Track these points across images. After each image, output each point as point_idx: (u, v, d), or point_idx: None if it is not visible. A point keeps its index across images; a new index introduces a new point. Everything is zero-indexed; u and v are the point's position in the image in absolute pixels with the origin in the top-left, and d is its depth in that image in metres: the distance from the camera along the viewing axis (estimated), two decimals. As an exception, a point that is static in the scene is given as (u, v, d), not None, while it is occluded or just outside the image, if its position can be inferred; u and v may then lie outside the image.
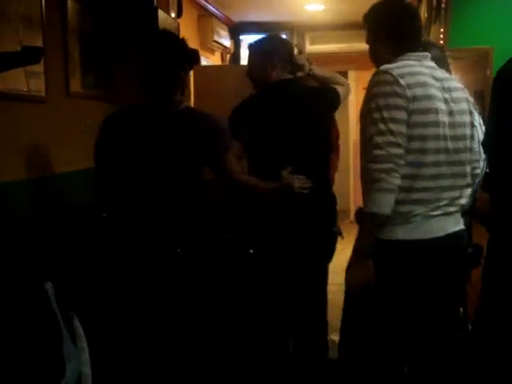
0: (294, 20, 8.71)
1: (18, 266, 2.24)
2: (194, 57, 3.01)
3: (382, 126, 2.45)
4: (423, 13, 6.92)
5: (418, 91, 2.48)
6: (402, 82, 2.47)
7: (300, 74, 3.63)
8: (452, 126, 2.57)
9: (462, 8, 5.03)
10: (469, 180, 2.69)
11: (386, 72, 2.52)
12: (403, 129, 2.46)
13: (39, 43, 3.74)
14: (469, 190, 2.72)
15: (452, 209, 2.63)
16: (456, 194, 2.64)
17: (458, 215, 2.71)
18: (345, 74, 10.20)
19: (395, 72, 2.50)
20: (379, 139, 2.44)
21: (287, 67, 3.53)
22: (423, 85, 2.51)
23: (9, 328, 2.01)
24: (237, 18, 8.77)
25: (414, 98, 2.47)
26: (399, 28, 2.67)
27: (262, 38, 3.72)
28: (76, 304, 2.35)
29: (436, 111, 2.51)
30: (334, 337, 4.54)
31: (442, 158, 2.54)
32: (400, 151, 2.45)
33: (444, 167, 2.55)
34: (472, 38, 4.93)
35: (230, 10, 8.37)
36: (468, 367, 2.55)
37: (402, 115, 2.46)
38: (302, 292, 3.44)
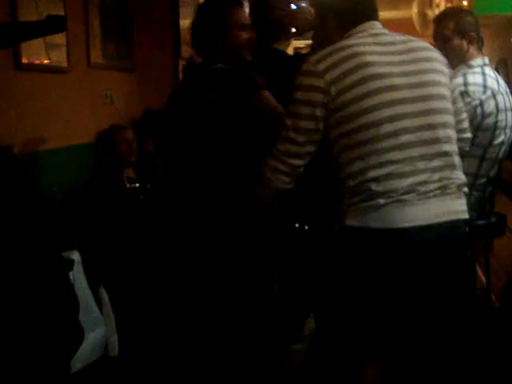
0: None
1: (35, 236, 2.25)
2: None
3: (287, 121, 2.30)
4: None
5: (347, 66, 2.21)
6: (319, 67, 2.23)
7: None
8: (416, 86, 2.25)
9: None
10: (450, 147, 2.27)
11: (307, 61, 2.31)
12: (311, 125, 2.25)
13: (60, 13, 3.73)
14: (456, 162, 2.28)
15: (436, 190, 2.18)
16: (434, 164, 2.21)
17: (448, 199, 2.22)
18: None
19: (313, 58, 2.28)
20: (282, 133, 2.31)
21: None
22: (350, 57, 2.22)
23: (23, 296, 2.04)
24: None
25: (341, 77, 2.20)
26: (341, 2, 2.39)
27: None
28: (106, 273, 2.37)
29: (375, 77, 2.20)
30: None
31: (398, 125, 2.19)
32: (298, 150, 2.28)
33: (405, 135, 2.19)
34: (496, 5, 4.85)
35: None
36: (493, 346, 2.45)
37: (314, 111, 2.24)
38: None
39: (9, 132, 3.34)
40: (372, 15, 2.37)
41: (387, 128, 2.17)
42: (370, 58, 2.21)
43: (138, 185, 3.69)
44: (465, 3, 5.07)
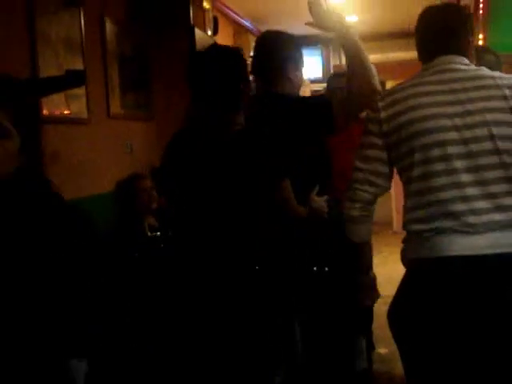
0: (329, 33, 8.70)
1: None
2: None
3: (358, 151, 2.43)
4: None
5: (400, 107, 2.31)
6: (380, 103, 2.37)
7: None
8: (465, 128, 2.26)
9: (500, 15, 4.99)
10: (499, 188, 2.23)
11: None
12: (372, 153, 2.37)
13: (79, 66, 3.81)
14: (506, 202, 2.23)
15: (483, 228, 2.20)
16: (483, 204, 2.21)
17: (498, 233, 2.20)
18: (383, 84, 10.18)
19: (383, 93, 2.47)
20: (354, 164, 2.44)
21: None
22: (406, 98, 2.32)
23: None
24: (271, 32, 8.79)
25: (392, 117, 2.32)
26: (417, 36, 2.48)
27: None
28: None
29: (430, 118, 2.27)
30: (380, 350, 4.53)
31: (448, 165, 2.25)
32: (360, 176, 2.39)
33: (448, 177, 2.23)
34: (508, 44, 4.87)
35: (264, 25, 8.38)
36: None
37: (372, 139, 2.37)
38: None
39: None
40: (449, 48, 2.40)
41: (425, 169, 2.26)
42: (423, 100, 2.30)
43: (159, 233, 3.70)
44: (480, 42, 5.10)
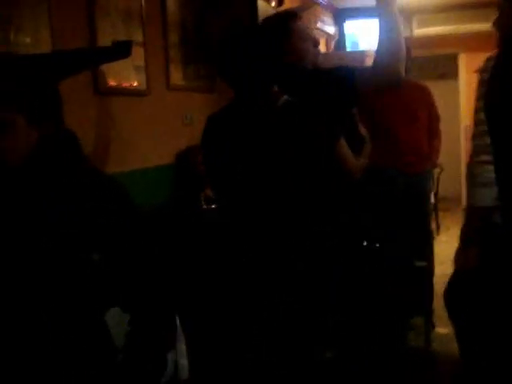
0: (399, 3, 8.48)
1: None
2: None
3: (481, 115, 2.32)
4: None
5: None
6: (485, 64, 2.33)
7: None
8: None
9: None
10: None
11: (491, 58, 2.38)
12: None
13: (139, 38, 3.81)
14: None
15: None
16: None
17: None
18: (455, 57, 9.88)
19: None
20: (476, 129, 2.36)
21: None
22: None
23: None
24: (340, 4, 8.64)
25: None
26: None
27: None
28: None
29: None
30: (440, 329, 4.45)
31: None
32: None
33: None
34: None
35: (334, -3, 8.26)
36: None
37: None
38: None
39: (88, 155, 3.40)
40: None
41: None
42: None
43: (214, 206, 3.68)
44: None
